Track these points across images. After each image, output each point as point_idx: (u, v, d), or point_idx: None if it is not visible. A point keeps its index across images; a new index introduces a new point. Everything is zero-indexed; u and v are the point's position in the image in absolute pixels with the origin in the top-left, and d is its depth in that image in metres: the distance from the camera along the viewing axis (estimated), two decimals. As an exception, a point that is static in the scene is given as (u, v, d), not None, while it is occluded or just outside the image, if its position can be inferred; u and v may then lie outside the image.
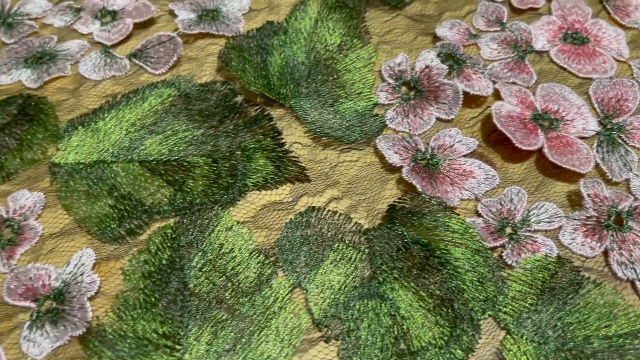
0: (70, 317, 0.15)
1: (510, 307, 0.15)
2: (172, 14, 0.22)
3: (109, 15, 0.22)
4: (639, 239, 0.16)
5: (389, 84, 0.19)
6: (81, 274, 0.16)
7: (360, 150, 0.18)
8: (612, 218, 0.16)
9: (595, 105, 0.19)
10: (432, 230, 0.16)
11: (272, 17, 0.21)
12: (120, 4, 0.22)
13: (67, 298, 0.15)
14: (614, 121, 0.18)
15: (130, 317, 0.15)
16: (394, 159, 0.17)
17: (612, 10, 0.21)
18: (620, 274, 0.15)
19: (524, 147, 0.17)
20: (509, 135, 0.17)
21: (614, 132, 0.18)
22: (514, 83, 0.19)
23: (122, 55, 0.21)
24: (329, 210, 0.17)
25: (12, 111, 0.19)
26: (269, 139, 0.18)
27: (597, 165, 0.17)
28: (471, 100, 0.19)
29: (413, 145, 0.18)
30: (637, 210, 0.16)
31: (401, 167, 0.17)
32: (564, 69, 0.20)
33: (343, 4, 0.21)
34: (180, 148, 0.18)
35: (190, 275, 0.16)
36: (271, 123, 0.18)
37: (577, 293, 0.15)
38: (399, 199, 0.17)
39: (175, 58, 0.20)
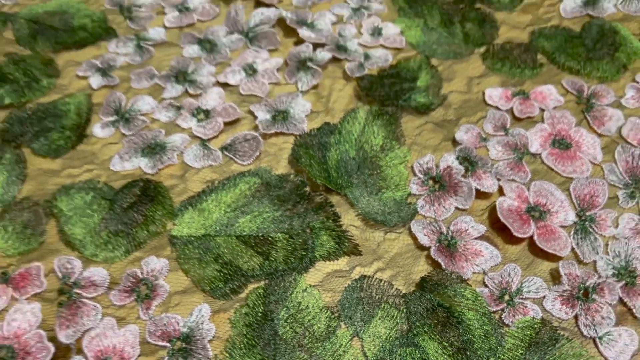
0: (196, 355, 0.21)
1: (506, 356, 0.21)
2: (253, 114, 0.28)
3: (202, 114, 0.28)
4: (599, 308, 0.22)
5: (419, 178, 0.26)
6: (201, 323, 0.22)
7: (399, 232, 0.24)
8: (581, 292, 0.22)
9: (574, 200, 0.25)
10: (452, 297, 0.22)
11: (329, 118, 0.28)
12: (211, 105, 0.28)
13: (192, 340, 0.22)
14: (587, 213, 0.24)
15: (238, 356, 0.21)
16: (424, 240, 0.24)
17: (591, 120, 0.27)
18: (585, 333, 0.22)
19: (519, 235, 0.23)
20: (508, 225, 0.23)
21: (586, 223, 0.24)
22: (513, 180, 0.25)
23: (216, 148, 0.27)
24: (376, 278, 0.23)
25: (137, 192, 0.26)
26: (330, 221, 0.24)
27: (572, 249, 0.24)
28: (481, 195, 0.25)
29: (438, 229, 0.24)
30: (600, 286, 0.22)
31: (429, 247, 0.24)
32: (552, 169, 0.26)
33: (384, 112, 0.28)
34: (265, 225, 0.24)
35: (278, 325, 0.22)
36: (332, 208, 0.25)
37: (555, 346, 0.21)
38: (428, 273, 0.23)
39: (257, 153, 0.27)
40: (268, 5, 0.32)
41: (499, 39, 0.31)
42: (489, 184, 0.25)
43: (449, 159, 0.26)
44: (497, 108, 0.28)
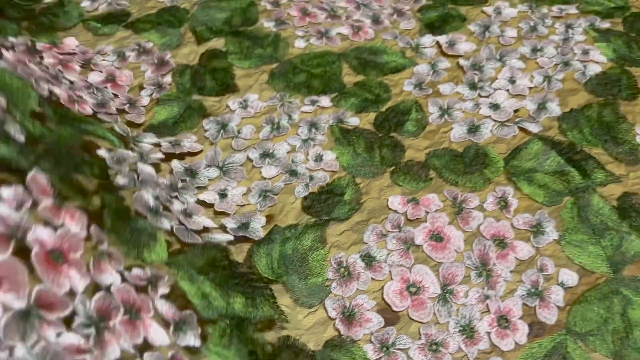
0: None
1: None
2: (224, 226, 0.40)
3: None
4: (442, 356, 0.33)
5: (334, 268, 0.37)
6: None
7: (316, 308, 0.36)
8: (432, 344, 0.33)
9: (441, 278, 0.36)
10: (345, 353, 0.33)
11: (278, 222, 0.40)
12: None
13: None
14: (448, 287, 0.36)
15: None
16: (332, 313, 0.35)
17: (459, 220, 0.39)
18: (434, 371, 0.32)
19: (396, 309, 0.35)
20: (389, 302, 0.35)
21: (447, 294, 0.35)
22: (401, 265, 0.37)
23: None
24: (296, 339, 0.34)
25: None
26: (271, 299, 0.36)
27: (434, 313, 0.35)
28: (376, 279, 0.37)
29: (342, 304, 0.35)
30: (446, 340, 0.33)
31: (335, 318, 0.35)
32: (429, 256, 0.37)
33: (316, 223, 0.39)
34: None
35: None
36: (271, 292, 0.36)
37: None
38: (332, 337, 0.34)
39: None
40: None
41: (404, 158, 0.43)
42: (383, 272, 0.36)
43: (355, 257, 0.37)
44: (395, 211, 0.40)
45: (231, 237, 0.38)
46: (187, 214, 0.39)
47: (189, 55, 0.51)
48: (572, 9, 0.52)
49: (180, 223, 0.37)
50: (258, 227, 0.40)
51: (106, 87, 0.48)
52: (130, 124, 0.46)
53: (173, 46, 0.51)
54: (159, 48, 0.51)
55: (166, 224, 0.36)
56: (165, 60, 0.50)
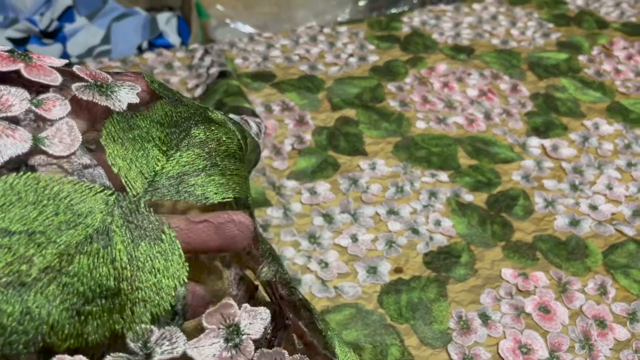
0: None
1: None
2: (355, 270, 0.46)
3: (324, 263, 0.46)
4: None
5: (455, 320, 0.43)
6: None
7: (440, 351, 0.41)
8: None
9: (549, 344, 0.41)
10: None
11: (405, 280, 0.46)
12: (330, 260, 0.47)
13: None
14: (555, 353, 0.40)
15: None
16: (455, 357, 0.40)
17: (564, 298, 0.44)
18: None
19: (511, 360, 0.39)
20: (503, 357, 0.40)
21: (554, 359, 0.40)
22: (513, 327, 0.42)
23: (331, 286, 0.45)
24: (424, 374, 0.39)
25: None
26: (398, 341, 0.41)
27: (543, 373, 0.39)
28: (490, 336, 0.42)
29: (463, 351, 0.40)
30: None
31: None
32: (537, 324, 0.42)
33: (436, 278, 0.45)
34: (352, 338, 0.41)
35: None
36: (399, 334, 0.42)
37: None
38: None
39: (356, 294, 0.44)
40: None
41: (513, 237, 0.49)
42: (498, 331, 0.42)
43: (473, 314, 0.43)
44: (507, 282, 0.45)
45: (359, 289, 0.44)
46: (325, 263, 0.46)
47: (325, 120, 0.58)
48: (664, 136, 0.59)
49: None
50: (384, 272, 0.45)
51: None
52: (275, 170, 0.53)
53: (312, 109, 0.59)
54: (300, 107, 0.59)
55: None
56: (305, 120, 0.58)
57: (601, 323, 0.43)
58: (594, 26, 0.74)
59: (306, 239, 0.47)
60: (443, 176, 0.54)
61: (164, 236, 0.24)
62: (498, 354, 0.40)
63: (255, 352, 0.25)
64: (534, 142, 0.58)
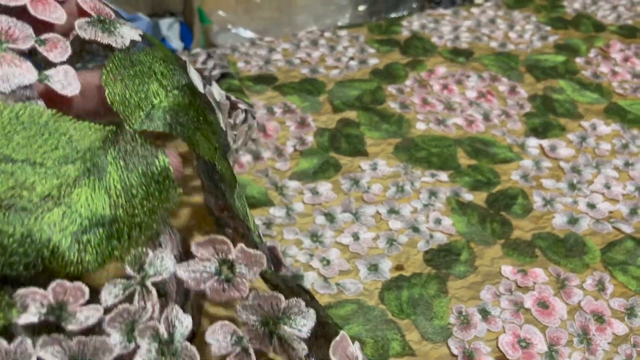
0: None
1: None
2: (357, 267, 0.47)
3: (326, 261, 0.47)
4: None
5: (455, 315, 0.43)
6: None
7: (440, 345, 0.41)
8: None
9: (547, 339, 0.42)
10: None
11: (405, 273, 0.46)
12: (332, 257, 0.47)
13: None
14: (554, 347, 0.41)
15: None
16: (455, 351, 0.41)
17: (563, 294, 0.45)
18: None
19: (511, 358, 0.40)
20: (503, 350, 0.40)
21: (553, 353, 0.41)
22: (512, 322, 0.42)
23: (333, 283, 0.45)
24: (425, 368, 0.40)
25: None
26: (399, 336, 0.42)
27: (542, 366, 0.40)
28: (490, 331, 0.42)
29: (463, 345, 0.41)
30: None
31: (457, 355, 0.41)
32: (536, 319, 0.43)
33: (436, 275, 0.46)
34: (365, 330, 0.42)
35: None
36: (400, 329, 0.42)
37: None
38: (456, 367, 0.40)
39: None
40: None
41: (512, 235, 0.49)
42: (497, 326, 0.42)
43: (473, 309, 0.43)
44: (507, 278, 0.46)
45: (360, 286, 0.45)
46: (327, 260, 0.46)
47: (327, 122, 0.59)
48: (660, 136, 0.60)
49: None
50: (386, 270, 0.46)
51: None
52: (277, 171, 0.54)
53: (313, 111, 0.60)
54: (301, 110, 0.60)
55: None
56: (307, 122, 0.59)
57: (599, 318, 0.43)
58: (591, 29, 0.75)
59: (308, 238, 0.48)
60: (443, 176, 0.54)
61: (157, 162, 0.25)
62: (497, 348, 0.41)
63: (250, 291, 0.26)
64: (533, 142, 0.59)
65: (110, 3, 0.37)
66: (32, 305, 0.22)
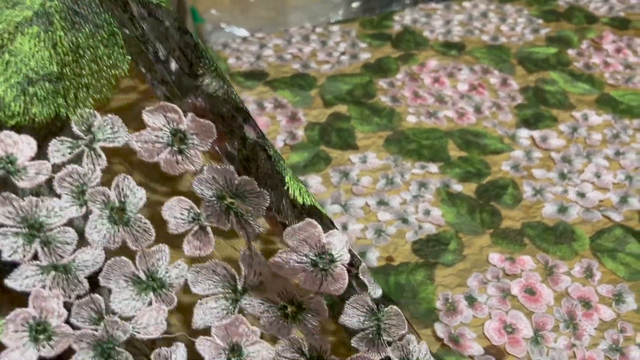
0: None
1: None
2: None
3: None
4: None
5: (441, 301, 0.43)
6: None
7: (426, 328, 0.42)
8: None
9: (534, 324, 0.42)
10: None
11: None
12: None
13: None
14: (539, 332, 0.41)
15: None
16: (440, 334, 0.41)
17: (550, 281, 0.45)
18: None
19: (497, 343, 0.40)
20: (487, 338, 0.40)
21: (539, 338, 0.41)
22: (499, 309, 0.43)
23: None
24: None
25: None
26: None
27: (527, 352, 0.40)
28: (476, 318, 0.43)
29: (449, 330, 0.41)
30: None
31: (443, 339, 0.41)
32: (523, 305, 0.43)
33: (425, 263, 0.46)
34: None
35: None
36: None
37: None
38: (437, 350, 0.40)
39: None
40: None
41: (502, 225, 0.50)
42: (483, 312, 0.42)
43: (460, 296, 0.43)
44: (495, 266, 0.46)
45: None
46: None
47: (318, 116, 0.60)
48: (651, 125, 0.60)
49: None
50: (373, 258, 0.46)
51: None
52: (267, 161, 0.54)
53: (304, 105, 0.61)
54: (292, 105, 0.61)
55: None
56: (298, 117, 0.59)
57: (586, 304, 0.43)
58: (583, 21, 0.75)
59: (297, 229, 0.48)
60: (433, 168, 0.55)
61: (106, 26, 0.25)
62: (483, 333, 0.41)
63: (204, 164, 0.26)
64: (524, 133, 0.59)
65: None
66: None
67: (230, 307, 0.26)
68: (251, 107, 0.60)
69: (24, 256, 0.23)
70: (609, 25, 0.74)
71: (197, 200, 0.26)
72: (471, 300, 0.43)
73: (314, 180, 0.53)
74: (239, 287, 0.26)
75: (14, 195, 0.23)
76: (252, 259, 0.26)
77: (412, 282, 0.44)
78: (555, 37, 0.72)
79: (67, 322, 0.24)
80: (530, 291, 0.44)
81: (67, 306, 0.24)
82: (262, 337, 0.26)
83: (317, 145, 0.56)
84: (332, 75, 0.65)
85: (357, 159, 0.55)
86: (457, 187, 0.53)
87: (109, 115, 0.25)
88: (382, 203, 0.51)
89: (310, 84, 0.63)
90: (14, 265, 0.23)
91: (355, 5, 0.85)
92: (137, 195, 0.25)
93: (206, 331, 0.25)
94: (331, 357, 0.26)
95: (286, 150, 0.56)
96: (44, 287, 0.23)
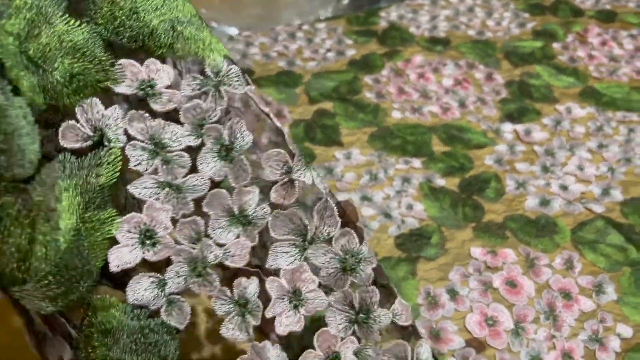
0: None
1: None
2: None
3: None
4: None
5: (423, 296, 0.44)
6: None
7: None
8: None
9: (514, 316, 0.42)
10: None
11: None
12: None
13: None
14: (521, 324, 0.42)
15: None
16: (422, 331, 0.41)
17: (531, 273, 0.45)
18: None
19: (477, 335, 0.41)
20: (473, 332, 0.41)
21: (519, 330, 0.41)
22: (479, 301, 0.43)
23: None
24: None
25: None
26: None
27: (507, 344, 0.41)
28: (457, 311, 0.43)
29: (429, 324, 0.42)
30: None
31: (424, 335, 0.41)
32: (504, 298, 0.44)
33: (408, 258, 0.46)
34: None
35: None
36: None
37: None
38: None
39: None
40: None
41: (484, 218, 0.50)
42: (465, 305, 0.43)
43: (441, 290, 0.44)
44: (476, 259, 0.46)
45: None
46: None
47: (303, 113, 0.60)
48: (634, 117, 0.60)
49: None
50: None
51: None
52: (252, 159, 0.54)
53: (289, 103, 0.61)
54: (278, 102, 0.61)
55: None
56: (283, 114, 0.60)
57: (567, 295, 0.44)
58: (569, 14, 0.75)
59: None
60: (416, 163, 0.55)
61: None
62: (465, 326, 0.42)
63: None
64: (507, 127, 0.59)
65: None
66: (128, 77, 0.28)
67: (298, 255, 0.29)
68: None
69: (146, 169, 0.27)
70: (595, 19, 0.74)
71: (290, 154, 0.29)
72: (453, 294, 0.44)
73: (298, 177, 0.53)
74: (308, 237, 0.29)
75: (147, 115, 0.28)
76: (325, 211, 0.29)
77: (393, 278, 0.45)
78: (541, 30, 0.72)
79: (171, 235, 0.28)
80: (512, 284, 0.44)
81: (174, 221, 0.28)
82: (319, 286, 0.29)
83: (302, 142, 0.57)
84: (318, 72, 0.65)
85: (342, 155, 0.55)
86: (440, 181, 0.53)
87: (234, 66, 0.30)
88: (365, 198, 0.51)
89: (296, 82, 0.64)
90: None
91: (345, 1, 0.86)
92: (245, 139, 0.29)
93: (276, 272, 0.29)
94: (378, 310, 0.30)
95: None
96: (157, 199, 0.27)
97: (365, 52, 0.68)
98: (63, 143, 0.27)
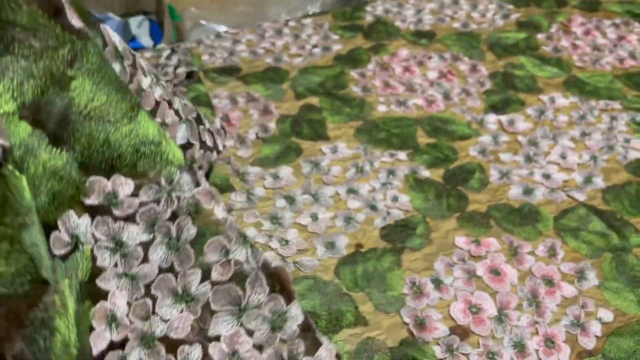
0: None
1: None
2: (314, 246, 0.48)
3: (284, 241, 0.48)
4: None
5: (409, 285, 0.44)
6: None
7: (393, 315, 0.43)
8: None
9: (498, 304, 0.43)
10: (418, 351, 0.40)
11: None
12: (290, 237, 0.49)
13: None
14: (504, 311, 0.42)
15: None
16: (406, 320, 0.42)
17: (515, 261, 0.46)
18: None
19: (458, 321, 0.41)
20: (454, 318, 0.42)
21: (502, 317, 0.42)
22: (464, 290, 0.44)
23: (290, 262, 0.47)
24: (377, 338, 0.41)
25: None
26: (354, 308, 0.43)
27: (491, 330, 0.41)
28: (443, 299, 0.44)
29: (415, 313, 0.42)
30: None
31: (409, 323, 0.42)
32: (487, 285, 0.44)
33: (391, 249, 0.47)
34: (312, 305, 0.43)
35: None
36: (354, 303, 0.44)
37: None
38: (406, 337, 0.41)
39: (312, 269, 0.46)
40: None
41: (469, 208, 0.51)
42: (449, 294, 0.44)
43: (426, 280, 0.45)
44: (460, 249, 0.47)
45: (317, 262, 0.46)
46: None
47: (290, 108, 0.61)
48: (617, 105, 0.61)
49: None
50: (342, 246, 0.47)
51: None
52: (239, 158, 0.55)
53: (276, 99, 0.61)
54: (265, 98, 0.61)
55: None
56: (270, 110, 0.60)
57: (549, 282, 0.44)
58: (553, 5, 0.76)
59: (268, 220, 0.49)
60: (402, 155, 0.56)
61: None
62: (449, 314, 0.42)
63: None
64: (491, 118, 0.60)
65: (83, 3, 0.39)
66: (96, 191, 0.34)
67: (234, 321, 0.35)
68: (224, 103, 0.61)
69: (109, 264, 0.34)
70: (579, 8, 0.75)
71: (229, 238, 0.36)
72: (437, 283, 0.44)
73: (285, 172, 0.54)
74: (242, 305, 0.35)
75: (110, 219, 0.34)
76: (255, 282, 0.35)
77: (379, 269, 0.45)
78: (526, 22, 0.73)
79: (128, 316, 0.34)
80: (495, 272, 0.45)
81: (129, 305, 0.34)
82: (253, 346, 0.35)
83: (289, 137, 0.57)
84: (304, 67, 0.66)
85: (328, 149, 0.56)
86: (425, 173, 0.54)
87: (185, 174, 0.37)
88: (351, 191, 0.52)
89: (282, 77, 0.64)
90: None
91: (330, -3, 0.86)
92: (190, 232, 0.36)
93: (217, 338, 0.34)
94: (304, 358, 0.36)
95: (258, 143, 0.57)
96: (117, 288, 0.33)
97: (351, 47, 0.69)
98: (54, 251, 0.32)
